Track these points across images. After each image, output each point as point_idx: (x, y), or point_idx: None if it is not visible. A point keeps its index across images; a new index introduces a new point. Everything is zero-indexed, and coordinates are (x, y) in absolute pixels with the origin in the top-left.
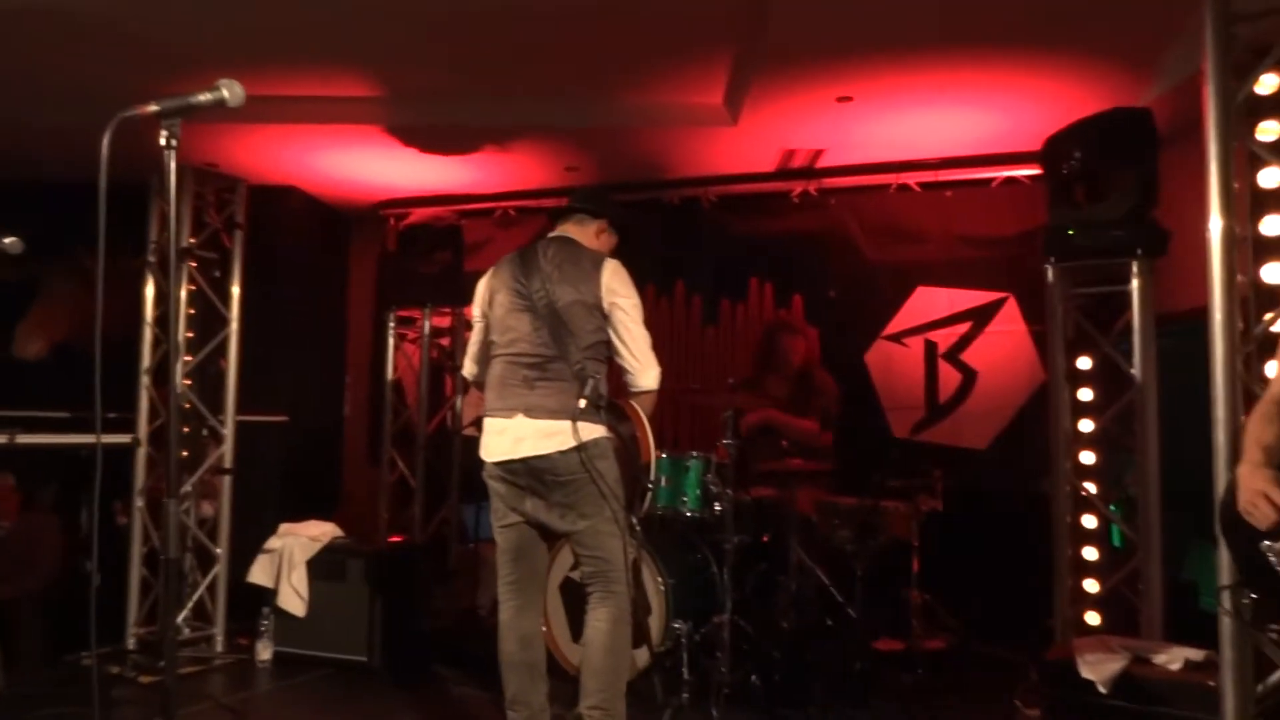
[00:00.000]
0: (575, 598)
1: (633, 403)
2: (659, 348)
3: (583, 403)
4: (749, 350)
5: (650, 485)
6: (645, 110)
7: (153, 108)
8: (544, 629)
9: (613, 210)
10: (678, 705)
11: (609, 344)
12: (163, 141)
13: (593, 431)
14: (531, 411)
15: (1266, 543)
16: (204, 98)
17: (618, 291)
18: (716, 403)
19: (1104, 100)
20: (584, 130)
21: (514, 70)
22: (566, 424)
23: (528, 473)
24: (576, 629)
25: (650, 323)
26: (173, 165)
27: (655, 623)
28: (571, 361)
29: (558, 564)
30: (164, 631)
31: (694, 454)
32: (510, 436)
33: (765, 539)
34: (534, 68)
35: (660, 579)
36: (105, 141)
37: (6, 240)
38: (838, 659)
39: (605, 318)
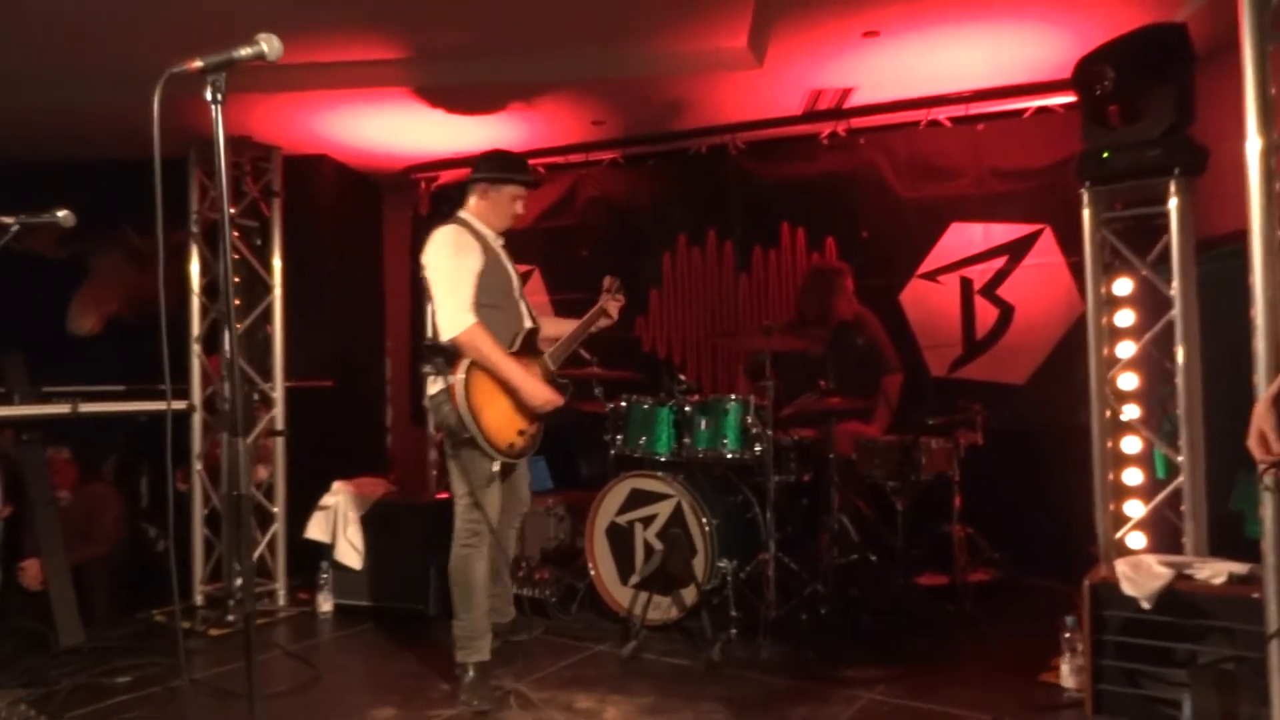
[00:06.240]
0: (621, 542)
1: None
2: (694, 297)
3: (427, 367)
4: (783, 295)
5: (468, 436)
6: (669, 57)
7: (198, 63)
8: (593, 571)
9: (479, 170)
10: (726, 639)
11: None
12: (209, 96)
13: (431, 386)
14: None
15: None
16: (245, 51)
17: (425, 259)
18: (750, 345)
19: (1136, 18)
20: (608, 82)
21: (536, 23)
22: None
23: None
24: (624, 571)
25: (683, 272)
26: (219, 118)
27: (700, 562)
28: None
29: (604, 509)
30: (241, 564)
31: (732, 397)
32: None
33: (806, 479)
34: (556, 18)
35: (704, 520)
36: (156, 98)
37: (60, 213)
38: (882, 593)
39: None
